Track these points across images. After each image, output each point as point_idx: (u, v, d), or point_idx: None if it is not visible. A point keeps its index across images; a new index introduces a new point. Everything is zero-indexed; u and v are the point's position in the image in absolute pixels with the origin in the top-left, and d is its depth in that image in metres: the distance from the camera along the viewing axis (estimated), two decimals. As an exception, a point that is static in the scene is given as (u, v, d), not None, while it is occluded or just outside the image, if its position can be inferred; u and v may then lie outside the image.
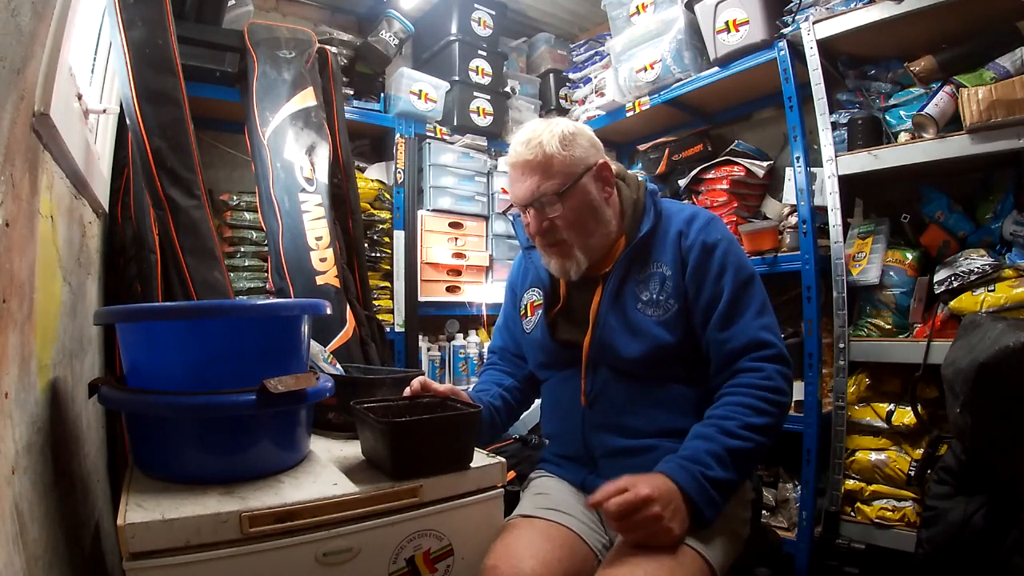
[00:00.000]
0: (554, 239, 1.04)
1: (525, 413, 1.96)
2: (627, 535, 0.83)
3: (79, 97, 1.02)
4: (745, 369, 0.95)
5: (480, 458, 0.95)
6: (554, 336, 1.10)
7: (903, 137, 1.54)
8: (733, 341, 0.96)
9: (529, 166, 1.02)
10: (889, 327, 1.58)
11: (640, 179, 1.14)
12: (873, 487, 1.54)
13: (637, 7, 2.12)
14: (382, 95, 2.26)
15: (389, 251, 2.17)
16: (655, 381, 1.02)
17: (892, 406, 1.53)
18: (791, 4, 1.71)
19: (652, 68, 2.05)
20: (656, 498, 0.80)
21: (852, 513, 1.58)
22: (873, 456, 1.54)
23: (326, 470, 0.89)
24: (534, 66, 2.79)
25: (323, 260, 1.68)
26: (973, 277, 1.41)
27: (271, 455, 0.86)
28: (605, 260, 1.07)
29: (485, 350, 2.33)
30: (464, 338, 2.40)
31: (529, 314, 1.17)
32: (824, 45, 1.63)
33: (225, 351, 0.81)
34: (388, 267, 2.16)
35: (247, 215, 1.92)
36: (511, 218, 1.24)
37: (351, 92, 2.17)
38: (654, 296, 1.02)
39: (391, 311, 2.15)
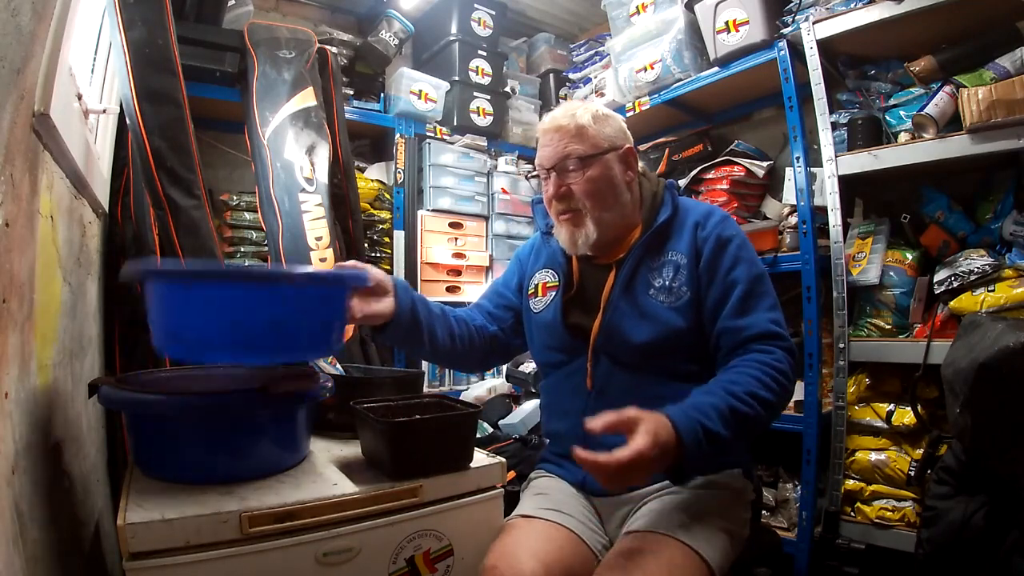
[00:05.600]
0: (569, 206, 1.06)
1: (525, 413, 1.96)
2: (608, 485, 0.80)
3: (79, 97, 1.02)
4: (757, 349, 0.96)
5: (480, 458, 0.95)
6: (565, 320, 1.10)
7: (903, 137, 1.54)
8: (748, 330, 0.97)
9: (561, 130, 1.05)
10: (889, 327, 1.58)
11: (659, 178, 1.17)
12: (873, 487, 1.54)
13: (637, 7, 2.12)
14: (382, 95, 2.26)
15: (389, 251, 2.17)
16: (658, 376, 1.01)
17: (892, 406, 1.53)
18: (791, 4, 1.71)
19: (652, 68, 2.05)
20: (651, 457, 0.77)
21: (852, 513, 1.58)
22: (873, 456, 1.54)
23: (326, 470, 0.89)
24: (534, 66, 2.79)
25: (323, 260, 1.68)
26: (973, 277, 1.41)
27: (271, 455, 0.86)
28: (620, 246, 1.09)
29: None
30: (464, 338, 2.39)
31: (540, 294, 1.16)
32: (824, 45, 1.63)
33: (289, 318, 0.75)
34: (388, 267, 2.16)
35: (247, 215, 1.92)
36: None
37: (351, 92, 2.17)
38: (667, 283, 1.03)
39: (391, 311, 2.14)
